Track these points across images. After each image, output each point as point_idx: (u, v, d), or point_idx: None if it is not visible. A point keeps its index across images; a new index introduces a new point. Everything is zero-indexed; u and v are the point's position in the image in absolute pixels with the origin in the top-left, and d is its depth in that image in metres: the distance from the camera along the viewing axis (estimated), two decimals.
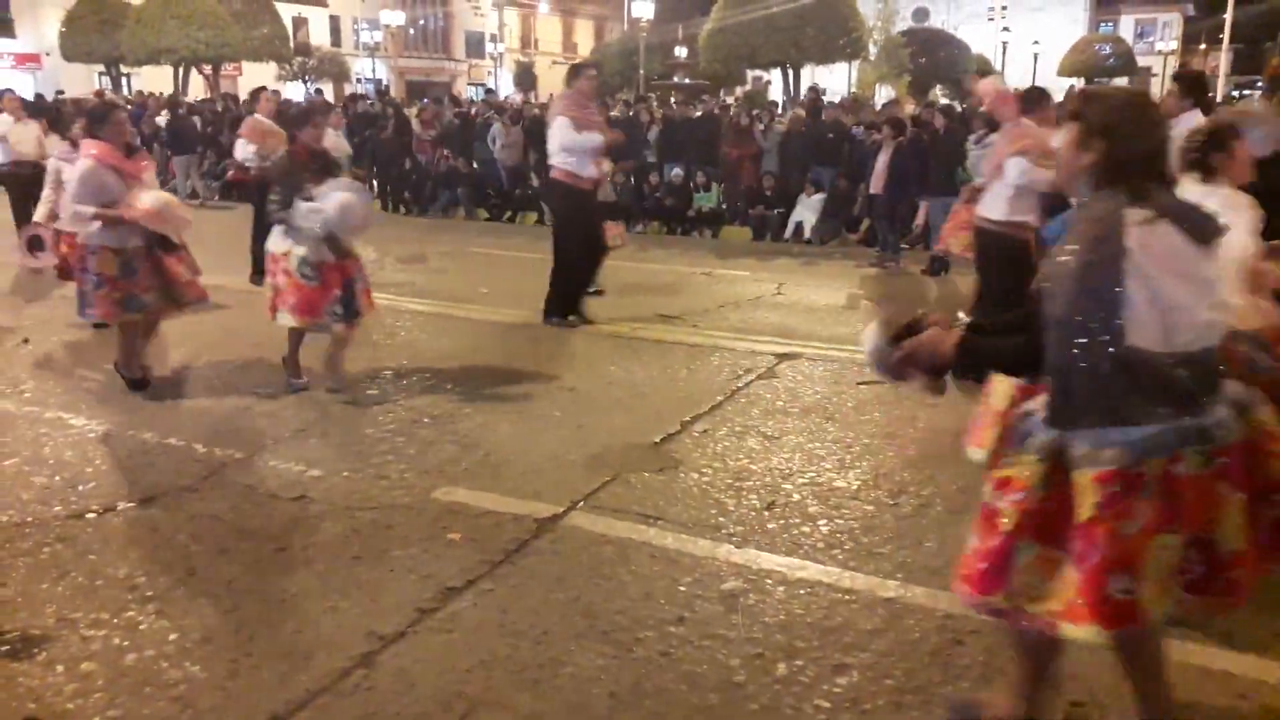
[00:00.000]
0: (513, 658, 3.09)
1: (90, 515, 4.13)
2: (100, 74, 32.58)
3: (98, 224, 5.37)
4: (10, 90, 11.73)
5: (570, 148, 7.16)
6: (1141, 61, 41.60)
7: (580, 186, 7.30)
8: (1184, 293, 2.18)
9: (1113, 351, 2.18)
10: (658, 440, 5.05)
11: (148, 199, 5.44)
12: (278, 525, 4.03)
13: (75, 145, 6.37)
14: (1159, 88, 32.94)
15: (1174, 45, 48.52)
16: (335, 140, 9.11)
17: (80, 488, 4.41)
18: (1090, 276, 2.18)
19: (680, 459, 4.82)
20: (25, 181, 9.26)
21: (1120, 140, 2.28)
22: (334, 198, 5.39)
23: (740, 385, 6.02)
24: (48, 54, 33.32)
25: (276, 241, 5.54)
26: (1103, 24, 49.59)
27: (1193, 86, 6.00)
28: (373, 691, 2.93)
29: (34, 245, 7.15)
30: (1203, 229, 2.23)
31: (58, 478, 4.52)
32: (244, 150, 9.04)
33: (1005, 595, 2.36)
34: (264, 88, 10.91)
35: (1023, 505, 2.33)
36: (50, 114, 12.34)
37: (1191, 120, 5.24)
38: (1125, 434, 2.22)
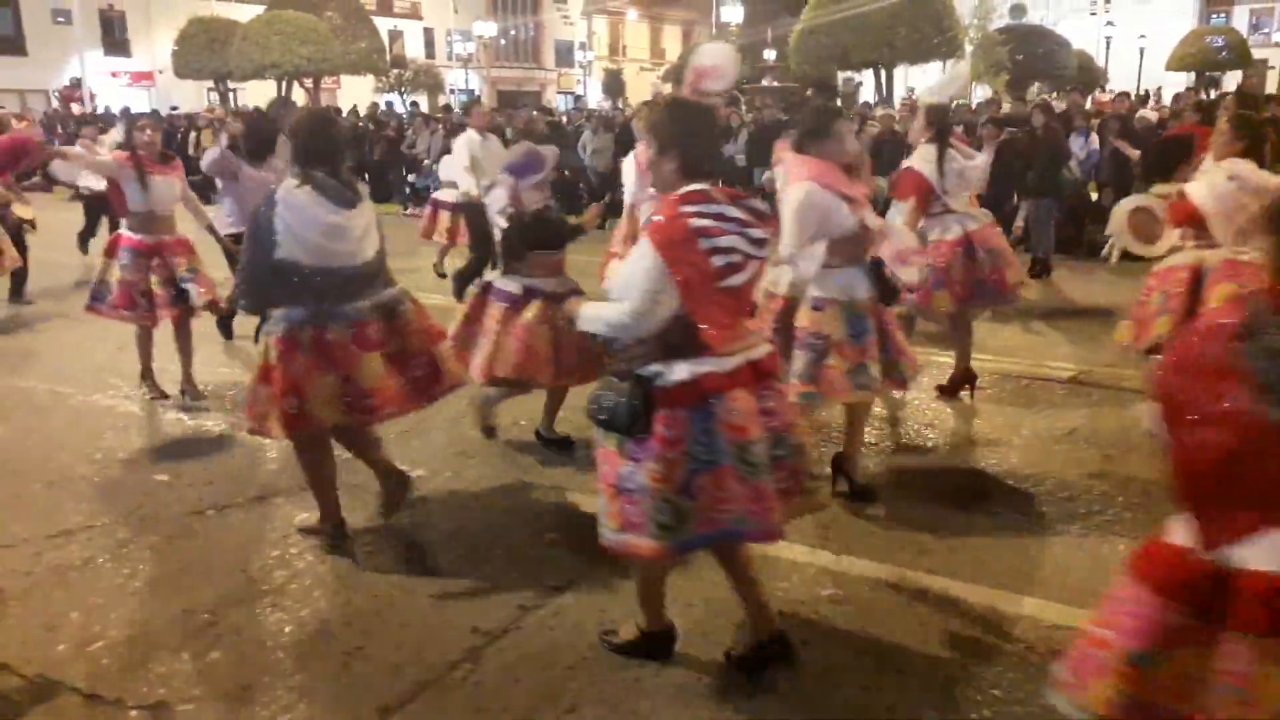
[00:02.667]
0: (612, 656, 3.14)
1: (210, 512, 4.34)
2: (209, 89, 34.08)
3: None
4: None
5: None
6: (1257, 54, 39.63)
7: None
8: (315, 232, 3.59)
9: (267, 261, 3.59)
10: None
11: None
12: (384, 523, 4.16)
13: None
14: (1276, 81, 31.37)
15: None
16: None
17: (199, 486, 4.64)
18: (254, 219, 3.66)
19: None
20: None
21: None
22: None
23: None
24: (160, 71, 34.97)
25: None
26: (1214, 15, 47.47)
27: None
28: (479, 686, 3.02)
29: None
30: (342, 196, 3.67)
31: (176, 477, 4.76)
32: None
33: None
34: (478, 100, 11.34)
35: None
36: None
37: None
38: (286, 314, 3.69)
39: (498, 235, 4.76)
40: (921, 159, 5.38)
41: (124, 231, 5.77)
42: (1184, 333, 2.08)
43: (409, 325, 3.92)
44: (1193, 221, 4.58)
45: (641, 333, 2.72)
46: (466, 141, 8.52)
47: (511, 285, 4.74)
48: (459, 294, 7.99)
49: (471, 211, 8.01)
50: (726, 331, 2.77)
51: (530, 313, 4.61)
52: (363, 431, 4.02)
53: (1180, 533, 1.94)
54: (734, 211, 2.75)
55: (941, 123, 5.40)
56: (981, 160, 5.69)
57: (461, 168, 8.32)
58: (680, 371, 2.72)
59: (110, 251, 5.79)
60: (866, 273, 4.09)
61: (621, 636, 3.16)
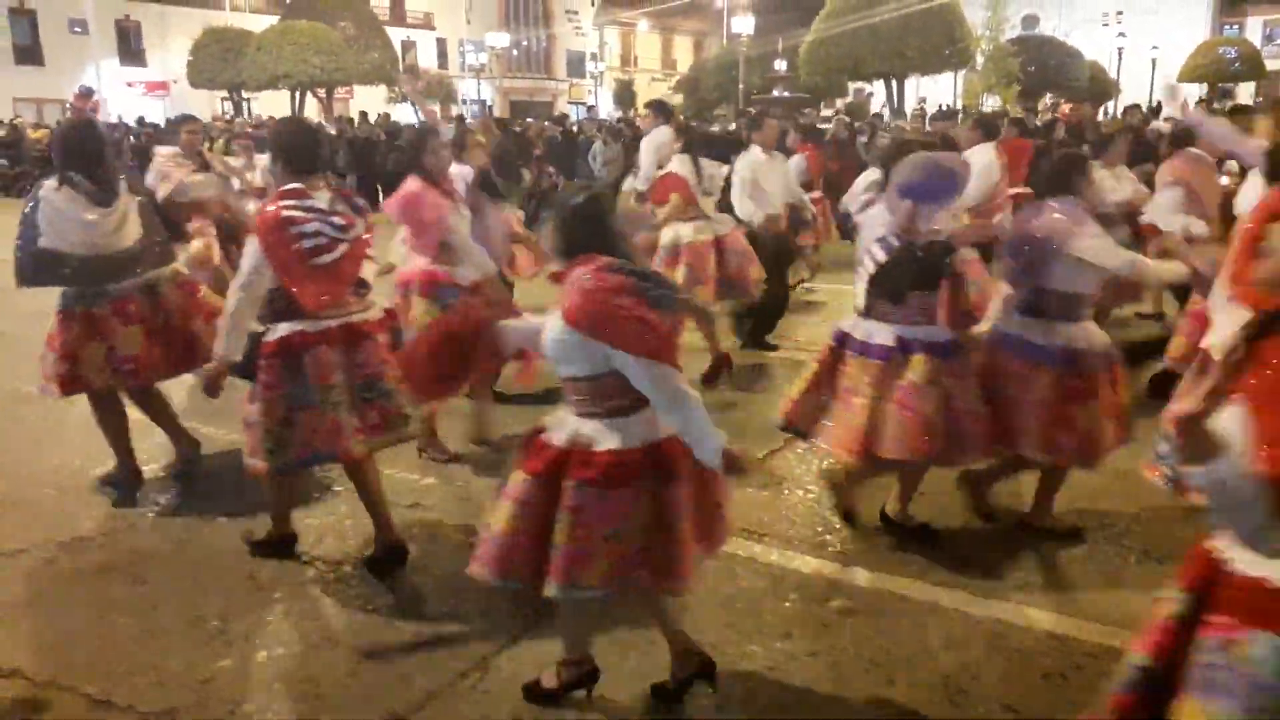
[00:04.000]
0: (621, 666, 3.14)
1: (220, 520, 4.36)
2: (223, 99, 34.34)
3: None
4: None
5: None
6: (1270, 65, 39.56)
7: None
8: (73, 226, 4.17)
9: (32, 249, 4.13)
10: (761, 456, 5.05)
11: None
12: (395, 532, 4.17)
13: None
14: None
15: None
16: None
17: (210, 494, 4.67)
18: (23, 212, 4.20)
19: (784, 475, 4.81)
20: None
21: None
22: None
23: None
24: (175, 81, 35.28)
25: None
26: (1227, 26, 47.36)
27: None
28: (488, 694, 3.02)
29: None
30: (97, 195, 4.21)
31: (191, 484, 4.80)
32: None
33: None
34: (764, 112, 9.23)
35: None
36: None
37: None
38: (64, 293, 4.34)
39: (867, 266, 3.82)
40: (680, 165, 6.21)
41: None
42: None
43: (170, 303, 4.54)
44: None
45: (251, 301, 3.47)
46: (750, 162, 6.90)
47: (882, 334, 3.83)
48: (757, 340, 7.27)
49: (768, 239, 6.97)
50: (324, 299, 3.49)
51: (914, 372, 3.72)
52: (150, 395, 4.76)
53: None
54: (322, 205, 3.50)
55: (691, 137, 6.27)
56: (725, 171, 6.42)
57: (742, 194, 6.82)
58: (280, 330, 3.53)
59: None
60: None
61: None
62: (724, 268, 6.55)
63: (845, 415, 3.81)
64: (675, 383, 2.51)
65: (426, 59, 46.00)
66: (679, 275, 6.30)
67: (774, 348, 7.28)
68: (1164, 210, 6.22)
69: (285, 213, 3.42)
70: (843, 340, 3.92)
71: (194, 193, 5.81)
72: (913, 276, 3.74)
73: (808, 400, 3.98)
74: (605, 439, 2.59)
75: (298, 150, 3.60)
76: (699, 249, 6.45)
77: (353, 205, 3.63)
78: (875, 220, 3.83)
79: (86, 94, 29.80)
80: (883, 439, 3.70)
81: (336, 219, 3.50)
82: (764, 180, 6.85)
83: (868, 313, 3.87)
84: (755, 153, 6.90)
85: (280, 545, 3.97)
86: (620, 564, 2.58)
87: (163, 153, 6.75)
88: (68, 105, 31.16)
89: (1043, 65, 31.96)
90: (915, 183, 3.67)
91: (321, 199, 3.53)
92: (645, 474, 2.59)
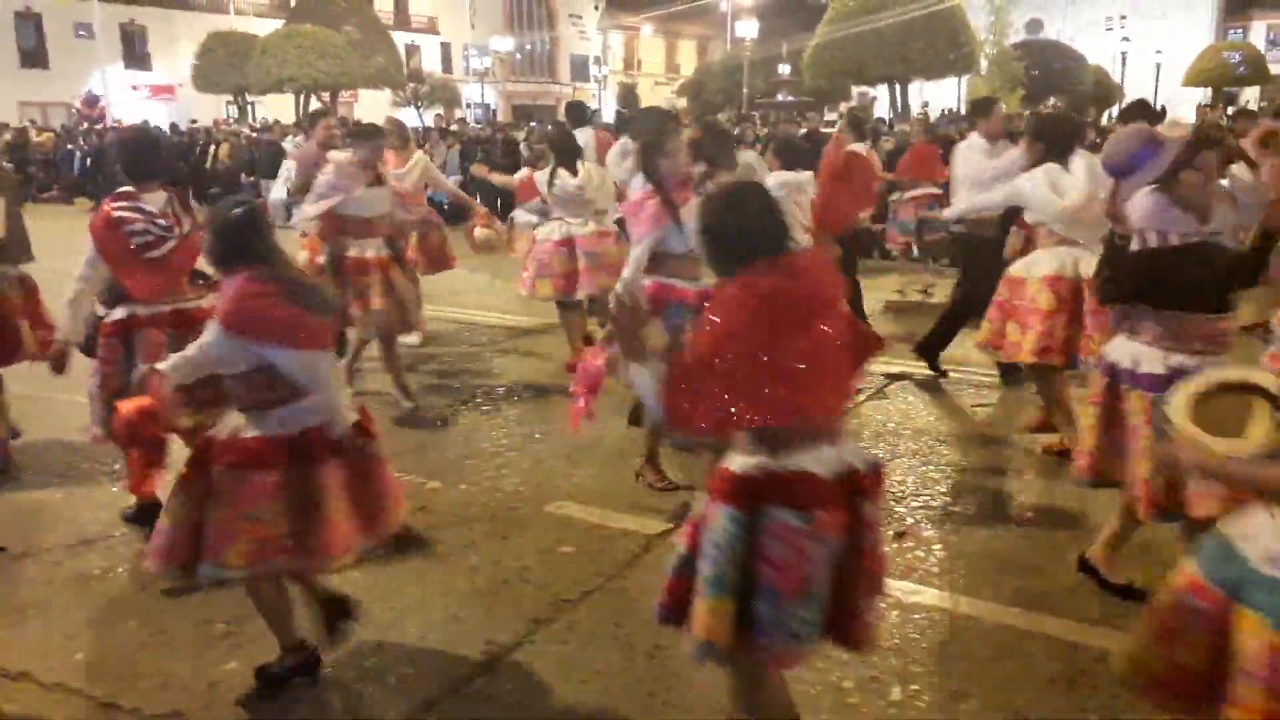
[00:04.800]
0: (628, 670, 3.15)
1: None
2: (228, 102, 34.41)
3: None
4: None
5: None
6: (1275, 70, 39.46)
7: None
8: None
9: None
10: None
11: None
12: (399, 541, 4.17)
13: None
14: None
15: None
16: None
17: None
18: None
19: None
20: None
21: None
22: None
23: (848, 407, 5.95)
24: (180, 85, 35.36)
25: None
26: (1231, 31, 47.31)
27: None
28: (493, 699, 3.03)
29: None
30: None
31: None
32: None
33: None
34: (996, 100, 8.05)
35: None
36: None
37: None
38: None
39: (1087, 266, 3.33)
40: (538, 176, 6.43)
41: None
42: None
43: (4, 301, 4.82)
44: None
45: (88, 291, 3.99)
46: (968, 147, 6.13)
47: (1152, 362, 3.18)
48: (933, 360, 6.51)
49: (970, 242, 6.35)
50: (154, 288, 3.95)
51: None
52: None
53: None
54: (150, 207, 3.96)
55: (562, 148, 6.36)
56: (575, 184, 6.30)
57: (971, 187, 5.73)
58: (116, 313, 4.02)
59: None
60: None
61: None
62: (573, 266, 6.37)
63: (1133, 462, 3.27)
64: (323, 365, 2.93)
65: (431, 63, 46.06)
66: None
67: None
68: None
69: (116, 214, 3.92)
70: (1112, 372, 3.34)
71: (370, 211, 5.60)
72: (1170, 288, 3.11)
73: (1104, 445, 3.40)
74: (251, 428, 2.86)
75: (136, 158, 4.16)
76: (550, 246, 6.38)
77: (185, 205, 4.16)
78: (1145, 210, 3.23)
79: (92, 101, 29.93)
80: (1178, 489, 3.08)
81: (161, 219, 3.98)
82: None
83: (1123, 329, 3.30)
84: (975, 141, 6.22)
85: (149, 513, 3.77)
86: (262, 545, 2.79)
87: (293, 151, 6.32)
88: (72, 109, 31.29)
89: (1047, 70, 31.97)
90: (1116, 160, 3.30)
91: (154, 201, 4.01)
92: (288, 460, 2.83)
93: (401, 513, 3.29)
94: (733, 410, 2.19)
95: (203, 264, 3.93)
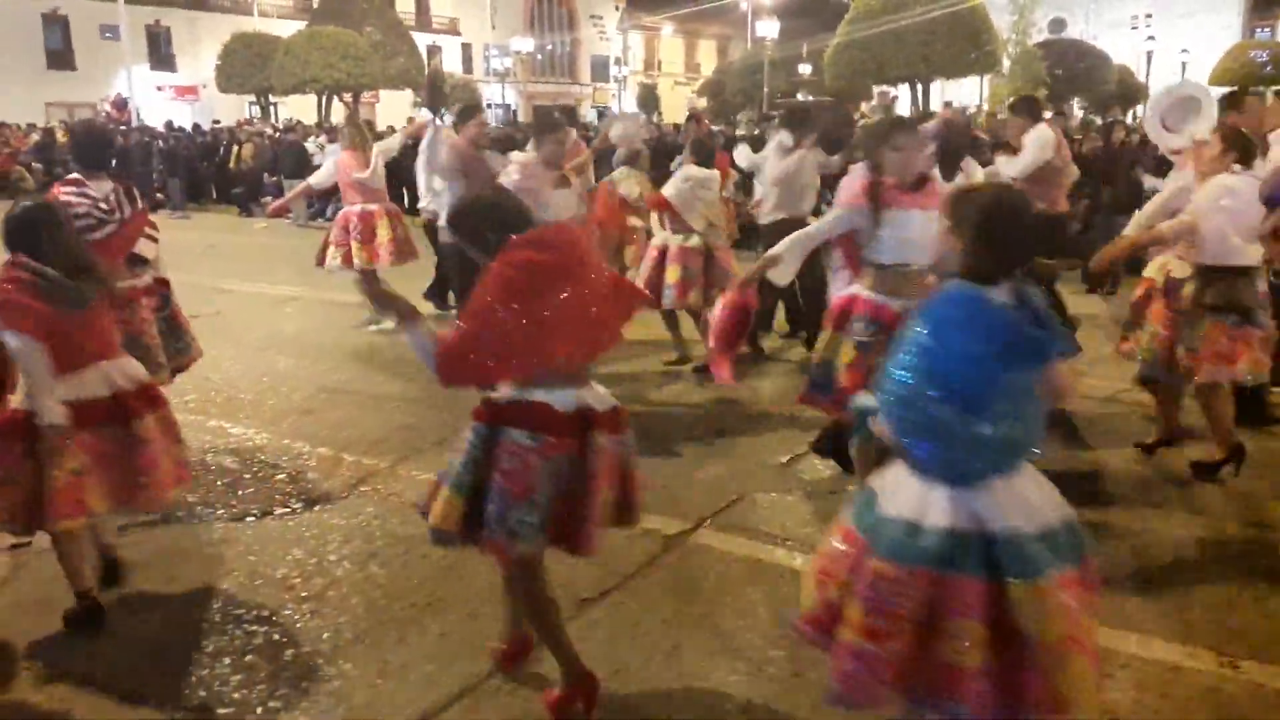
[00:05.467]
0: (645, 669, 3.16)
1: (249, 519, 4.42)
2: (251, 103, 34.67)
3: None
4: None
5: None
6: None
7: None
8: None
9: None
10: (785, 461, 5.05)
11: None
12: (421, 533, 4.19)
13: None
14: None
15: None
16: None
17: (240, 493, 4.72)
18: None
19: (808, 480, 4.81)
20: None
21: None
22: None
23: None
24: (204, 86, 35.65)
25: None
26: (1258, 29, 46.76)
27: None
28: (514, 695, 3.05)
29: None
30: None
31: (219, 483, 4.85)
32: None
33: None
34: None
35: None
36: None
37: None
38: None
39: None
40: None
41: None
42: None
43: None
44: None
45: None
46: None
47: None
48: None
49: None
50: (109, 264, 4.03)
51: None
52: None
53: None
54: (95, 193, 4.38)
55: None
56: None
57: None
58: None
59: None
60: None
61: None
62: None
63: None
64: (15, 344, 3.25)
65: (451, 64, 46.26)
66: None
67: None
68: None
69: (62, 198, 4.30)
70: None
71: (560, 215, 5.43)
72: None
73: None
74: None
75: (86, 149, 4.65)
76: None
77: (130, 196, 4.53)
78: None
79: (122, 104, 30.27)
80: None
81: (104, 205, 4.39)
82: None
83: None
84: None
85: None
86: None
87: (516, 158, 5.96)
88: (99, 110, 31.63)
89: (1070, 69, 31.70)
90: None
91: (100, 189, 4.43)
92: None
93: (171, 493, 3.66)
94: (495, 366, 2.66)
95: (142, 247, 4.57)
